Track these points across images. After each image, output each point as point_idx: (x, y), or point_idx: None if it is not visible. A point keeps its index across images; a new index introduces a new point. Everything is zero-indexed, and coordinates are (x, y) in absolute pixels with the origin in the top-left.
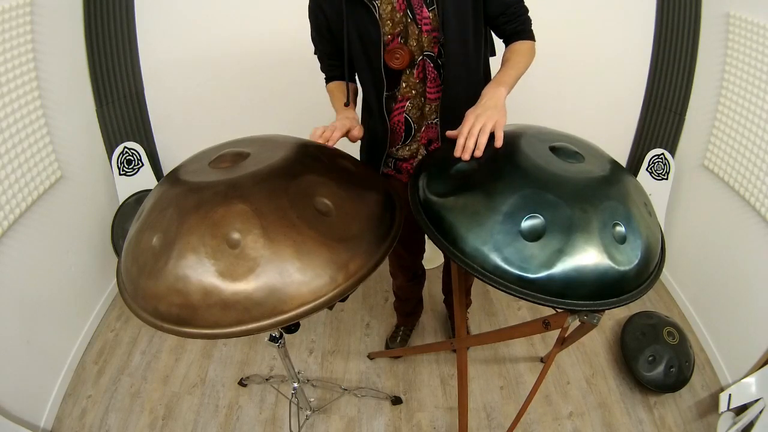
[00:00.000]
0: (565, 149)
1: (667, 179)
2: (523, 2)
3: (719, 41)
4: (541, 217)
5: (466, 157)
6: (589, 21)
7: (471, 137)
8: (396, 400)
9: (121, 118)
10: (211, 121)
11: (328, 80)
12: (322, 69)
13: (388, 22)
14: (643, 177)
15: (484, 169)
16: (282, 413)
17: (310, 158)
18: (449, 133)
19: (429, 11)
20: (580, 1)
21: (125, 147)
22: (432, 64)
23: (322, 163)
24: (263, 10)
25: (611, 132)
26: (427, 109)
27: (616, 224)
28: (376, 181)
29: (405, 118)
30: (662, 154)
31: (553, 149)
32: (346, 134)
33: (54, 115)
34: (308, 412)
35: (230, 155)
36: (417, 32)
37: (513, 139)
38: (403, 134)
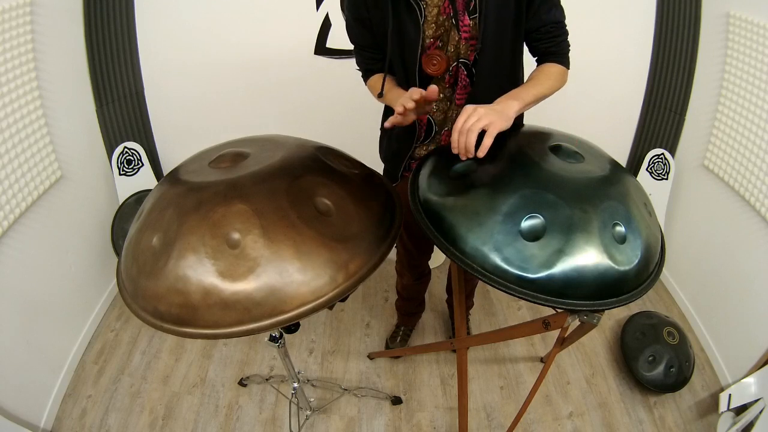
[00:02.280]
0: (565, 149)
1: (667, 179)
2: (564, 26)
3: (719, 41)
4: (541, 217)
5: (462, 156)
6: (589, 21)
7: (461, 135)
8: (396, 400)
9: (121, 118)
10: (211, 121)
11: (367, 74)
12: (359, 63)
13: (432, 25)
14: (643, 177)
15: (484, 169)
16: (282, 413)
17: (310, 158)
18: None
19: (471, 19)
20: (580, 1)
21: (125, 147)
22: (465, 72)
23: (322, 163)
24: (264, 10)
25: (611, 132)
26: (451, 113)
27: (616, 224)
28: (376, 182)
29: (428, 118)
30: (662, 154)
31: (552, 149)
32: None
33: (54, 115)
34: (308, 412)
35: (230, 155)
36: (457, 38)
37: (512, 139)
38: (424, 134)
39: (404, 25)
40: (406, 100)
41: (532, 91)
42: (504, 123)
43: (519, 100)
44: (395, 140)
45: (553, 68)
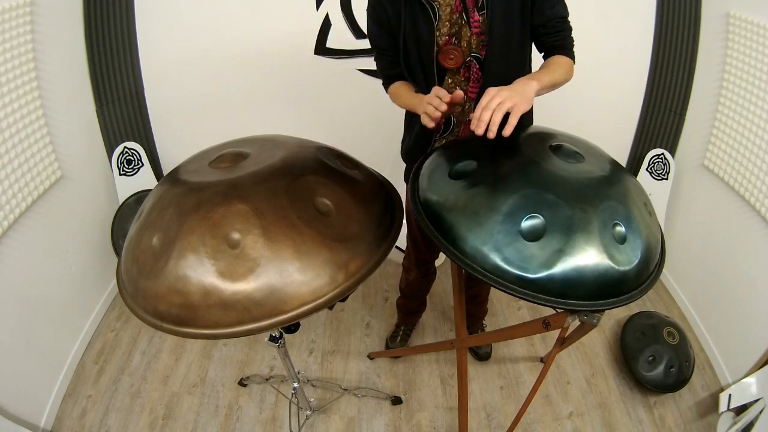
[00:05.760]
0: (565, 149)
1: (667, 179)
2: (568, 21)
3: (719, 41)
4: (541, 217)
5: (479, 131)
6: (589, 21)
7: (487, 110)
8: (396, 400)
9: (121, 118)
10: (211, 121)
11: (389, 81)
12: (381, 69)
13: (446, 23)
14: (643, 177)
15: (484, 168)
16: (282, 413)
17: (311, 158)
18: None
19: (480, 15)
20: (580, 1)
21: (125, 147)
22: (477, 66)
23: (323, 163)
24: (264, 10)
25: (611, 132)
26: (467, 106)
27: (616, 224)
28: (377, 182)
29: None
30: (662, 154)
31: (553, 149)
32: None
33: (54, 115)
34: (308, 412)
35: (230, 155)
36: (469, 34)
37: (513, 138)
38: (443, 127)
39: (419, 24)
40: (439, 103)
41: (546, 76)
42: (526, 105)
43: (537, 81)
44: (415, 135)
45: (561, 59)
